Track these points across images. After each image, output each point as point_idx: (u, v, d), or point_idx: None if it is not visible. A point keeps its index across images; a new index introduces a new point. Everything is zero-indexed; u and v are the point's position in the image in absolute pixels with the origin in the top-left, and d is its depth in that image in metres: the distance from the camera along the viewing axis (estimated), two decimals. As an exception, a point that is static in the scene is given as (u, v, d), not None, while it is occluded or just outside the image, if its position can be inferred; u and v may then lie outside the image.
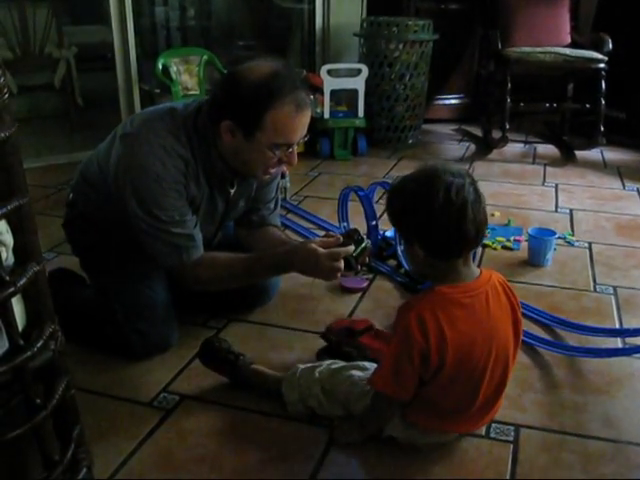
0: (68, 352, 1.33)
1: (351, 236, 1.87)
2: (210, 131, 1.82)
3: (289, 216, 3.08)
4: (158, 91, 4.26)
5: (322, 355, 1.94)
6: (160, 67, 4.00)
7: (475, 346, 1.46)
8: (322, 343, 1.99)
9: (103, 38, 4.53)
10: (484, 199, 1.45)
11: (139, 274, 1.98)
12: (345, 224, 2.70)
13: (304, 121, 1.79)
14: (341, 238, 1.85)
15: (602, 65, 3.97)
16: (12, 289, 1.07)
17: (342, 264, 1.80)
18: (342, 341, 1.93)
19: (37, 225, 1.18)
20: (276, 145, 1.78)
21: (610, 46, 4.00)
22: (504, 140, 4.18)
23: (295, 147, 1.83)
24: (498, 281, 1.55)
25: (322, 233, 2.75)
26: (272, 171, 1.89)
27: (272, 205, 2.18)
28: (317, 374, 1.69)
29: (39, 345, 1.16)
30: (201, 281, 1.92)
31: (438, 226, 1.41)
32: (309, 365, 1.75)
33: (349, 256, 1.82)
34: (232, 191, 1.99)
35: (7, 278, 1.08)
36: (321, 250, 1.80)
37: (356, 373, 1.67)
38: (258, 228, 2.16)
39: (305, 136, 1.83)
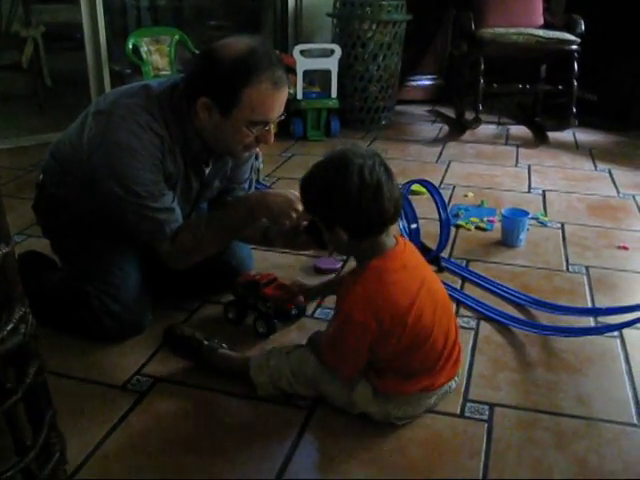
0: (39, 336, 1.31)
1: None
2: (186, 109, 1.80)
3: (263, 197, 3.06)
4: (129, 71, 4.21)
5: (229, 308, 2.04)
6: (130, 47, 3.95)
7: (422, 303, 1.51)
8: (300, 324, 1.99)
9: (72, 17, 4.45)
10: (394, 176, 1.50)
11: (111, 256, 1.95)
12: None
13: (281, 99, 1.77)
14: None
15: (574, 47, 3.99)
16: (-20, 271, 1.05)
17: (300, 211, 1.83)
18: (248, 293, 2.00)
19: (6, 207, 1.16)
20: (253, 123, 1.76)
21: (582, 27, 4.02)
22: (477, 121, 4.19)
23: (272, 125, 1.81)
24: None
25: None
26: (251, 150, 1.89)
27: (246, 186, 2.16)
28: (286, 356, 1.69)
29: (9, 328, 1.14)
30: (185, 248, 1.86)
31: (358, 209, 1.45)
32: (278, 347, 1.75)
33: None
34: (207, 170, 1.97)
35: (-25, 260, 1.05)
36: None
37: None
38: None
39: (282, 114, 1.81)
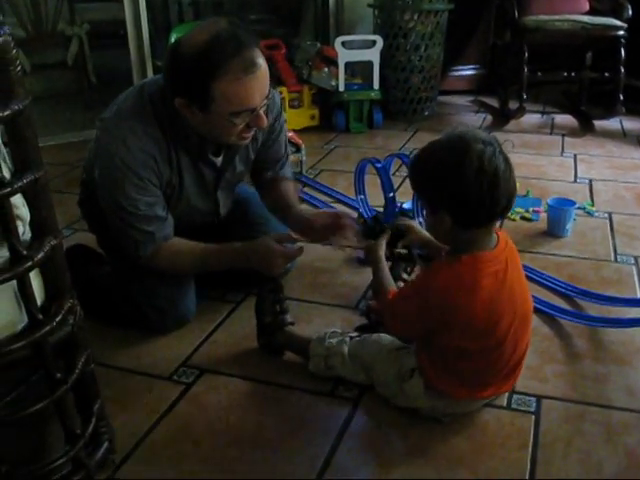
0: (87, 327, 1.33)
1: (377, 219, 1.92)
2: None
3: (306, 189, 3.06)
4: (171, 66, 4.24)
5: (360, 331, 1.89)
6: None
7: (500, 314, 1.47)
8: (344, 317, 2.00)
9: (115, 14, 4.49)
10: (513, 167, 1.44)
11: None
12: (362, 196, 2.68)
13: (258, 83, 1.67)
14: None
15: (621, 32, 3.89)
16: (30, 263, 1.07)
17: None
18: (381, 321, 1.89)
19: (54, 202, 1.18)
20: (235, 114, 1.69)
21: (630, 12, 3.92)
22: (521, 111, 4.13)
23: (261, 110, 1.73)
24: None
25: (338, 206, 2.75)
26: (246, 136, 1.81)
27: (284, 160, 2.17)
28: (349, 338, 1.73)
29: (58, 319, 1.17)
30: (158, 268, 1.90)
31: (471, 196, 1.39)
32: (345, 331, 1.79)
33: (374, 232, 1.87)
34: (219, 159, 1.94)
35: (24, 252, 1.07)
36: (278, 247, 1.85)
37: (385, 337, 1.70)
38: (271, 185, 2.16)
39: (267, 96, 1.73)
